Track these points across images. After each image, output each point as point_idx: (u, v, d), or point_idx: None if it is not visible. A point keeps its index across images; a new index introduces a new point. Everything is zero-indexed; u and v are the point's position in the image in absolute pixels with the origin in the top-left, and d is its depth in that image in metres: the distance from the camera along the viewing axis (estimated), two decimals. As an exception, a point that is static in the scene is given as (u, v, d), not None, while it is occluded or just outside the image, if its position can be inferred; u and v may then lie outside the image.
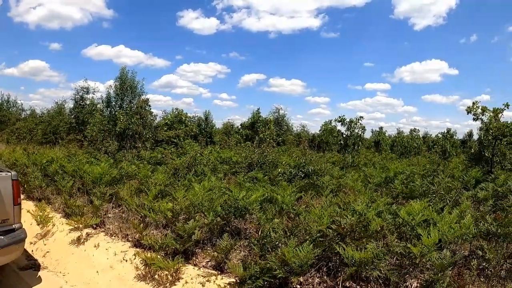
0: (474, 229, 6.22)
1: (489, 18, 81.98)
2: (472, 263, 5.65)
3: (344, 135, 25.19)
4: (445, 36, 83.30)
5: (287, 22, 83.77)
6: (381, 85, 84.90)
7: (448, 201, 8.90)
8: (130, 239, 7.58)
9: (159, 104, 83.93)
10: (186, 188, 9.05)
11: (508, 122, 16.81)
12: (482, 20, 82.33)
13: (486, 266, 5.82)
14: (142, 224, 7.49)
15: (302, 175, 12.72)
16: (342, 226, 5.87)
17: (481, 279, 5.69)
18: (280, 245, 5.70)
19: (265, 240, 5.90)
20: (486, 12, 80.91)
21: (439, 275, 5.01)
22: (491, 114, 16.84)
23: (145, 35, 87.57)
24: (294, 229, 6.24)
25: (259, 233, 6.67)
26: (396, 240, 5.88)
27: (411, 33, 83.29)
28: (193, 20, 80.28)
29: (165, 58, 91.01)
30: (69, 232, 8.13)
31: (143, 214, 7.99)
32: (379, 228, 6.01)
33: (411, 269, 5.56)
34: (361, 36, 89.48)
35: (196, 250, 6.84)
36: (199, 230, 6.78)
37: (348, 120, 24.53)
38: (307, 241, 5.53)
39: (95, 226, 8.30)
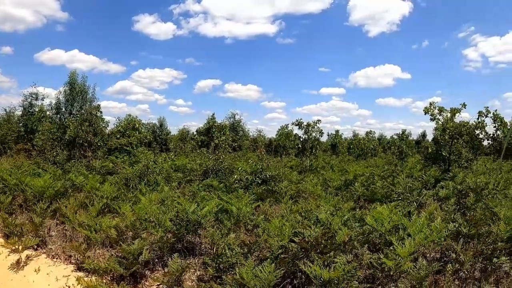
0: (445, 231, 5.96)
1: (440, 25, 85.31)
2: (447, 268, 5.40)
3: (301, 139, 24.92)
4: (398, 42, 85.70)
5: (243, 28, 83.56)
6: (336, 89, 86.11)
7: (415, 203, 8.62)
8: (74, 261, 6.79)
9: (114, 111, 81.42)
10: (134, 201, 8.39)
11: (465, 121, 17.08)
12: (433, 27, 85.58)
13: (460, 268, 5.60)
14: (84, 245, 6.71)
15: (260, 182, 12.19)
16: (306, 240, 5.33)
17: (456, 282, 5.46)
18: (238, 263, 5.12)
19: (221, 260, 5.30)
20: (437, 19, 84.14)
21: (417, 287, 4.63)
22: (448, 114, 17.10)
23: (100, 39, 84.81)
24: (253, 245, 5.65)
25: (214, 250, 6.07)
26: (367, 251, 5.45)
27: (365, 40, 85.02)
28: (150, 25, 78.64)
29: (120, 63, 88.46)
30: (8, 255, 7.25)
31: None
32: (347, 239, 5.51)
33: (385, 281, 5.11)
34: (317, 42, 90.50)
35: (146, 272, 6.15)
36: (147, 250, 6.02)
37: (305, 123, 24.28)
38: (268, 259, 4.97)
39: (36, 247, 7.48)
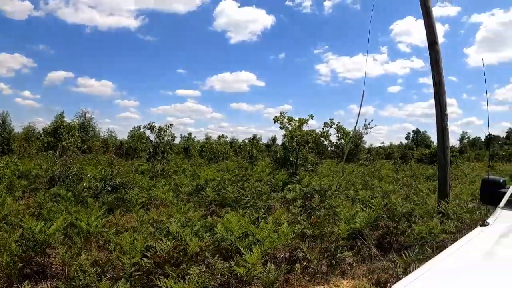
0: (291, 234, 6.21)
1: (298, 41, 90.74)
2: (295, 267, 5.68)
3: (153, 143, 24.40)
4: (256, 52, 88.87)
5: (105, 19, 79.79)
6: (192, 91, 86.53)
7: (262, 209, 8.83)
8: None
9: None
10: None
11: (311, 130, 18.41)
12: (291, 41, 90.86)
13: (308, 264, 5.98)
14: None
15: (110, 189, 11.43)
16: (158, 254, 5.20)
17: (306, 278, 5.74)
18: (92, 285, 4.71)
19: (74, 283, 4.81)
20: (296, 35, 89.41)
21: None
22: (297, 123, 17.92)
23: None
24: (105, 264, 5.21)
25: (66, 272, 5.55)
26: (219, 260, 5.41)
27: (226, 46, 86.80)
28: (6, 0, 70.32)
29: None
30: None
31: None
32: (199, 250, 5.47)
33: (239, 286, 5.21)
34: (178, 43, 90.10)
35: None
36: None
37: (158, 127, 23.82)
38: (123, 279, 4.71)
39: None
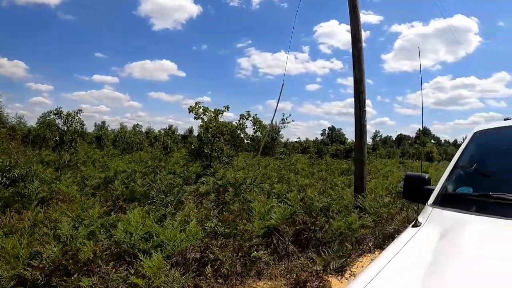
0: (202, 232, 5.67)
1: (222, 34, 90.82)
2: (206, 270, 5.16)
3: (60, 130, 22.81)
4: (179, 41, 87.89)
5: None
6: (109, 78, 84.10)
7: (170, 205, 8.21)
8: None
9: None
10: None
11: (226, 122, 18.15)
12: (215, 34, 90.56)
13: (220, 266, 5.41)
14: None
15: (8, 182, 10.08)
16: (42, 265, 4.34)
17: (218, 281, 5.22)
18: None
19: None
20: (221, 28, 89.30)
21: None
22: (212, 114, 17.54)
23: None
24: None
25: None
26: (117, 267, 4.68)
27: (149, 33, 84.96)
28: None
29: None
30: None
31: None
32: (92, 256, 4.62)
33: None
34: (99, 25, 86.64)
35: None
36: None
37: (65, 113, 22.26)
38: None
39: None
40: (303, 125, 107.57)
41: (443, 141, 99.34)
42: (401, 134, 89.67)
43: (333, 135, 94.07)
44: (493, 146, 3.68)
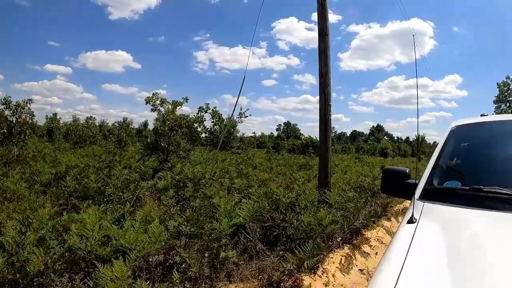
0: (165, 233, 5.19)
1: (180, 25, 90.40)
2: (173, 275, 4.71)
3: (8, 122, 21.50)
4: (136, 32, 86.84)
5: None
6: (62, 68, 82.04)
7: (128, 203, 7.67)
8: None
9: None
10: None
11: (184, 115, 17.45)
12: (173, 25, 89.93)
13: (187, 269, 5.04)
14: None
15: None
16: None
17: (186, 285, 4.87)
18: None
19: None
20: (179, 19, 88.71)
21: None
22: (170, 106, 17.07)
23: None
24: None
25: None
26: (71, 280, 4.06)
27: (105, 21, 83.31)
28: None
29: None
30: None
31: None
32: (43, 267, 4.07)
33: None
34: (54, 11, 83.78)
35: None
36: None
37: (14, 103, 21.01)
38: None
39: None
40: (259, 120, 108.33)
41: (396, 138, 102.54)
42: (355, 131, 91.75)
43: (289, 130, 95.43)
44: (473, 141, 3.72)
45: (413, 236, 2.24)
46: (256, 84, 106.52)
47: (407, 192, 3.10)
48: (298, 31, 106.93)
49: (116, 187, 8.51)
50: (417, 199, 2.83)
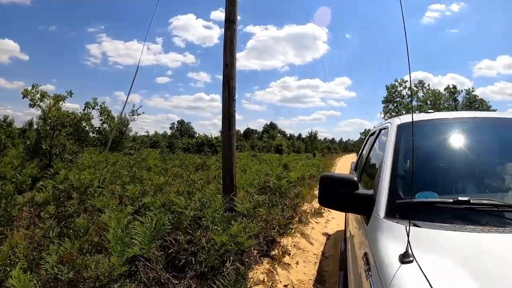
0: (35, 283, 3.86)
1: (74, 14, 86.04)
2: None
3: None
4: (25, 18, 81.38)
5: None
6: None
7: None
8: None
9: None
10: None
11: (69, 112, 15.52)
12: (67, 13, 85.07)
13: None
14: None
15: None
16: None
17: None
18: None
19: None
20: (73, 7, 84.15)
21: None
22: (51, 101, 15.20)
23: None
24: None
25: None
26: None
27: None
28: None
29: None
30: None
31: None
32: None
33: None
34: None
35: None
36: None
37: None
38: None
39: None
40: (152, 118, 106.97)
41: (288, 135, 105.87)
42: (249, 128, 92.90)
43: (183, 129, 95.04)
44: (435, 142, 3.09)
45: None
46: (149, 81, 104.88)
47: (360, 207, 2.52)
48: (195, 28, 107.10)
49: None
50: (382, 217, 2.21)
